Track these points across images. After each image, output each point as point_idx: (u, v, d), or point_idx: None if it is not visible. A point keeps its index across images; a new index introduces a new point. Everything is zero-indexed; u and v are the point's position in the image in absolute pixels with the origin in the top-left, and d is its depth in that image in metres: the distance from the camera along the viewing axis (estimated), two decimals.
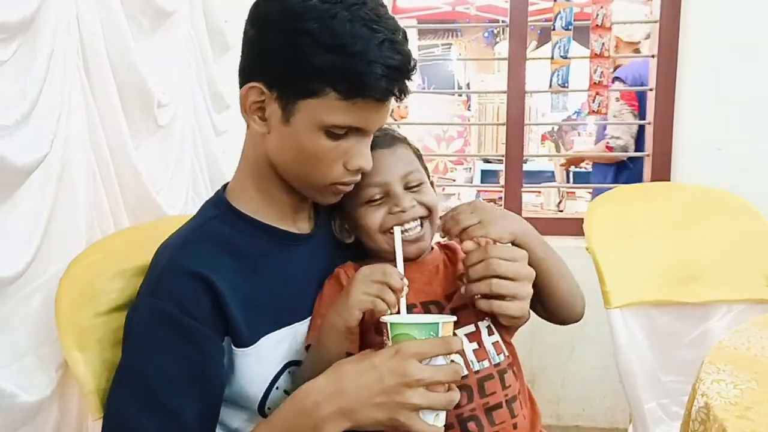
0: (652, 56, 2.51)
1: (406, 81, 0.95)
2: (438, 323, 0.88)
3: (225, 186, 1.09)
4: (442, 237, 1.08)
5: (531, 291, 1.00)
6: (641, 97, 2.85)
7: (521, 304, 0.98)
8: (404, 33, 0.95)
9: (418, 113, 6.20)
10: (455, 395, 0.88)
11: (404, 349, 0.86)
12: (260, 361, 0.98)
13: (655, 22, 2.46)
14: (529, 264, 1.02)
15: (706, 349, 1.14)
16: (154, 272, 0.97)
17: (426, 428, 0.86)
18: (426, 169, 1.15)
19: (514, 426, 1.01)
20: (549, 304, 1.10)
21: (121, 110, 1.38)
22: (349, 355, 0.94)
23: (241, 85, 0.98)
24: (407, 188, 1.07)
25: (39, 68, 1.11)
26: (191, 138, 1.83)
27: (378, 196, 1.06)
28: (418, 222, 1.07)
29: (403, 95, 0.96)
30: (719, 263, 1.72)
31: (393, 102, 0.97)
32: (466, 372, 0.91)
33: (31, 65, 1.10)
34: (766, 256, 1.72)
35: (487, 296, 0.97)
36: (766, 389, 0.97)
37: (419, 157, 1.14)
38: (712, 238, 1.75)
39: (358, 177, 1.02)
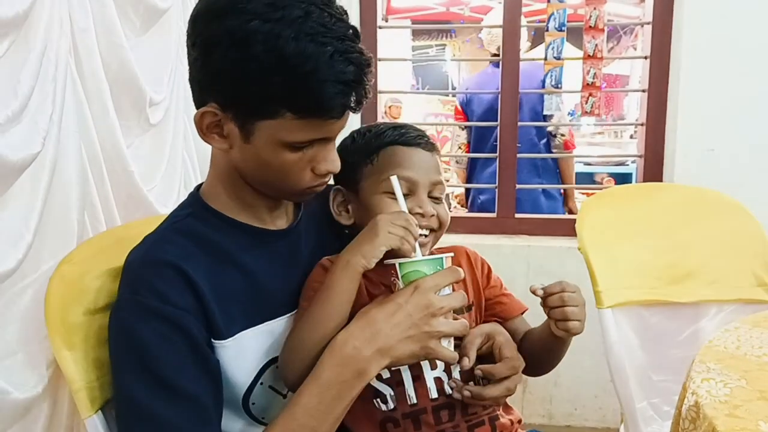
0: (645, 57, 2.51)
1: (363, 89, 0.93)
2: (442, 257, 0.98)
3: (199, 186, 1.08)
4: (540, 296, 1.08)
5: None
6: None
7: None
8: (354, 32, 0.92)
9: (411, 113, 6.22)
10: (466, 321, 0.99)
11: (423, 285, 0.94)
12: (240, 357, 0.98)
13: (648, 23, 2.47)
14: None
15: (697, 349, 1.14)
16: (131, 270, 0.96)
17: (448, 353, 0.96)
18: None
19: None
20: (540, 367, 1.18)
21: (113, 108, 1.38)
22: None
23: (195, 97, 0.96)
24: (430, 197, 1.08)
25: (31, 65, 1.11)
26: (183, 136, 1.83)
27: (403, 191, 1.04)
28: (428, 232, 1.08)
29: (359, 106, 0.94)
30: (711, 263, 1.73)
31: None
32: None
33: (23, 62, 1.10)
34: (757, 256, 1.73)
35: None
36: (756, 387, 0.97)
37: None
38: (704, 238, 1.75)
39: (329, 178, 1.02)
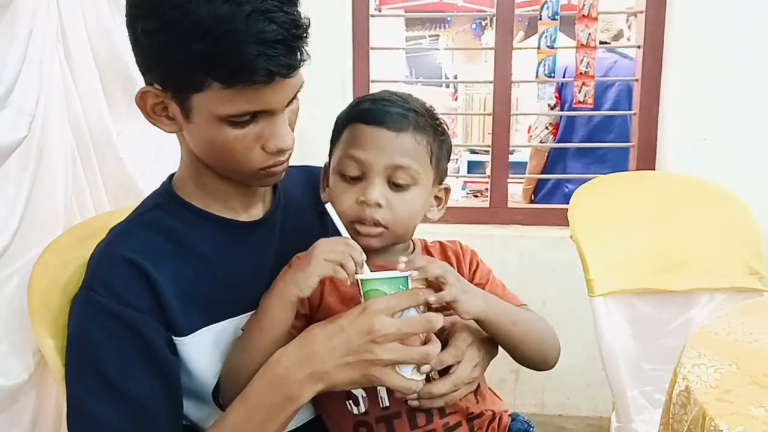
0: (638, 47, 2.51)
1: (295, 52, 0.83)
2: (407, 276, 0.88)
3: (172, 176, 1.05)
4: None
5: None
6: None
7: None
8: None
9: None
10: (431, 348, 0.88)
11: (371, 306, 0.85)
12: (205, 353, 0.95)
13: (641, 12, 2.46)
14: (498, 335, 0.99)
15: (688, 338, 1.14)
16: (91, 264, 0.93)
17: (401, 382, 0.87)
18: (440, 171, 1.03)
19: None
20: (521, 361, 1.06)
21: (103, 94, 1.37)
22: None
23: (144, 81, 0.92)
24: (392, 183, 0.96)
25: (17, 49, 1.10)
26: None
27: (353, 173, 0.96)
28: (379, 230, 0.96)
29: (292, 70, 0.84)
30: (702, 252, 1.73)
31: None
32: (441, 323, 0.88)
33: (8, 46, 1.09)
34: (749, 244, 1.73)
35: None
36: (747, 373, 0.97)
37: (434, 153, 1.00)
38: (696, 226, 1.75)
39: (285, 156, 0.94)
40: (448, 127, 1.06)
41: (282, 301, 0.90)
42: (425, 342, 0.90)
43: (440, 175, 1.04)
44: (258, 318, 0.93)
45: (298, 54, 0.84)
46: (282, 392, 0.86)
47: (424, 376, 0.89)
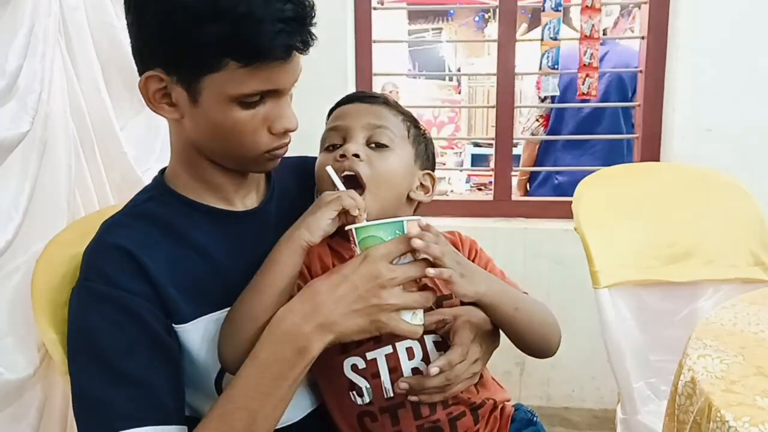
0: (642, 38, 2.49)
1: (307, 29, 0.87)
2: (402, 221, 0.89)
3: (164, 169, 1.04)
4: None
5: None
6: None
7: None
8: None
9: (408, 98, 6.19)
10: (431, 294, 0.90)
11: (372, 254, 0.87)
12: (205, 341, 0.94)
13: (645, 2, 2.45)
14: (500, 319, 0.99)
15: (693, 329, 1.14)
16: (84, 256, 0.93)
17: (408, 327, 0.88)
18: (419, 154, 1.08)
19: None
20: (522, 347, 1.05)
21: (105, 88, 1.37)
22: None
23: (139, 70, 0.91)
24: (371, 145, 1.02)
25: (19, 44, 1.10)
26: None
27: (335, 141, 1.02)
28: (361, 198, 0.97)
29: (306, 46, 0.88)
30: (708, 243, 1.72)
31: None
32: (432, 272, 0.88)
33: (10, 40, 1.09)
34: (755, 235, 1.72)
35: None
36: (753, 363, 0.97)
37: (412, 133, 1.07)
38: (701, 217, 1.75)
39: (288, 138, 0.97)
40: (429, 133, 1.12)
41: (293, 246, 0.91)
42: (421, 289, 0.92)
43: (421, 160, 1.08)
44: (267, 265, 0.92)
45: (311, 32, 0.88)
46: (292, 347, 0.86)
47: (423, 321, 0.91)
